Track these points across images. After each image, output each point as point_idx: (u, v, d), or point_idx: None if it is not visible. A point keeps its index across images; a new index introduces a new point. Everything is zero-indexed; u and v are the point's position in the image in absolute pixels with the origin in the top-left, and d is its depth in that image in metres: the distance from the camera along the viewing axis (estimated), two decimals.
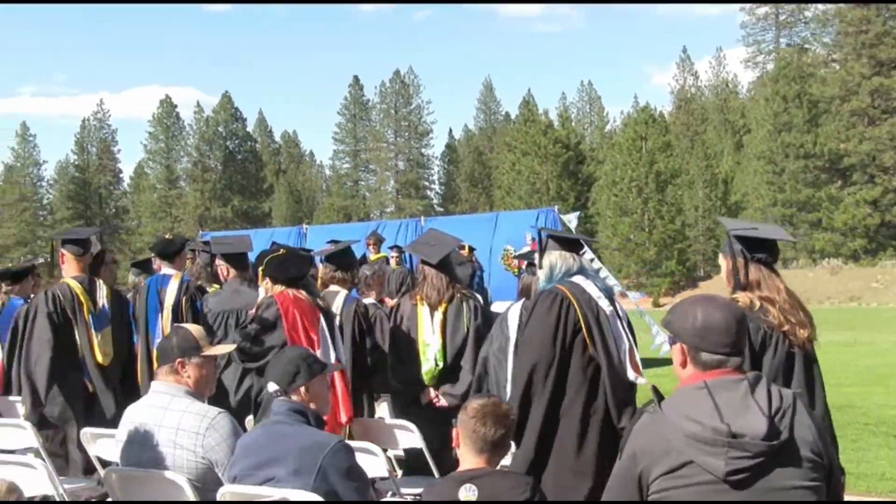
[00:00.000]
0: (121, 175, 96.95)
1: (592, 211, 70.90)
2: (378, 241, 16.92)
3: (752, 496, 3.18)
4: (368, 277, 9.19)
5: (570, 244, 5.97)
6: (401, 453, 7.32)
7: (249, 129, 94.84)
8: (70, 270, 7.84)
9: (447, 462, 6.75)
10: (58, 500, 5.53)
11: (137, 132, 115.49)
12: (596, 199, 73.38)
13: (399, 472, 7.40)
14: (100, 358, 7.71)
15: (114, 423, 6.99)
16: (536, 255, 6.41)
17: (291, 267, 6.93)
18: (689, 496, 3.20)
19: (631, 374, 5.55)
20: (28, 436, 6.77)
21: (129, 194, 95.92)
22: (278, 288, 6.86)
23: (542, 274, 5.97)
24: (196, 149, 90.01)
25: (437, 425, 7.06)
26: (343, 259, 7.77)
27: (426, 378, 7.28)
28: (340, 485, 4.34)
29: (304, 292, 6.80)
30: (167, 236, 11.92)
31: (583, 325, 5.54)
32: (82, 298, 7.70)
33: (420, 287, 7.47)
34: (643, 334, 6.40)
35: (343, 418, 6.47)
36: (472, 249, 15.71)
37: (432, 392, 7.31)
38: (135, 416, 5.09)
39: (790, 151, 67.01)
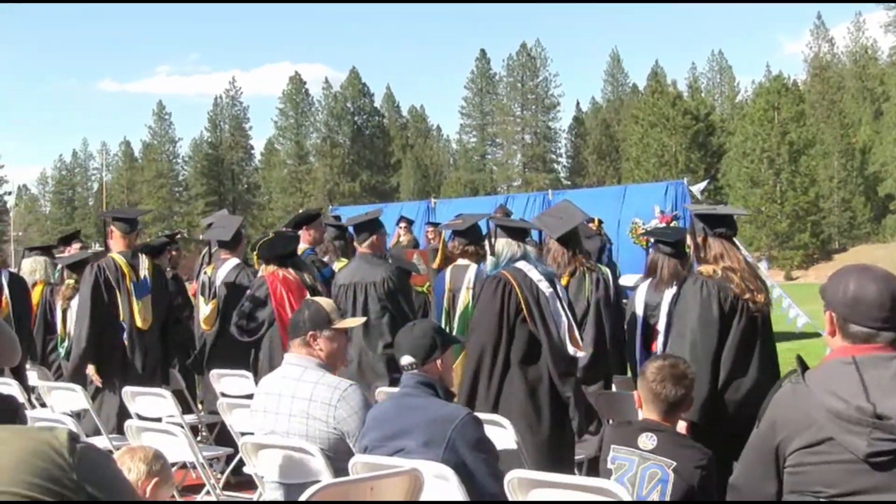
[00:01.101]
0: (252, 151, 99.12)
1: (722, 182, 69.58)
2: (506, 215, 16.90)
3: (893, 479, 3.07)
4: None
5: (516, 233, 6.53)
6: None
7: (377, 104, 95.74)
8: (117, 246, 8.63)
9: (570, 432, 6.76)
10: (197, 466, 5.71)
11: (268, 109, 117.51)
12: (726, 171, 71.99)
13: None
14: (139, 322, 8.46)
15: (144, 380, 7.97)
16: (672, 227, 6.49)
17: (278, 246, 7.78)
18: (826, 473, 3.11)
19: (570, 349, 6.15)
20: (168, 405, 7.00)
21: (260, 170, 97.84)
22: (270, 268, 7.69)
23: (490, 260, 6.60)
24: (325, 124, 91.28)
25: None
26: (472, 233, 7.79)
27: None
28: (469, 456, 4.36)
29: (291, 271, 7.62)
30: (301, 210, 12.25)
31: (524, 307, 6.13)
32: (125, 270, 8.47)
33: (544, 259, 7.45)
34: (777, 309, 6.27)
35: None
36: (600, 223, 15.68)
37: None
38: (269, 386, 5.21)
39: None
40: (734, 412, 5.26)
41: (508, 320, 6.16)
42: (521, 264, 6.36)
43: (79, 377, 8.24)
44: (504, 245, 6.47)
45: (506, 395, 6.17)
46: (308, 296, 7.05)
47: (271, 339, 7.82)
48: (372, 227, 8.38)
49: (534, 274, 6.28)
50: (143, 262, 8.59)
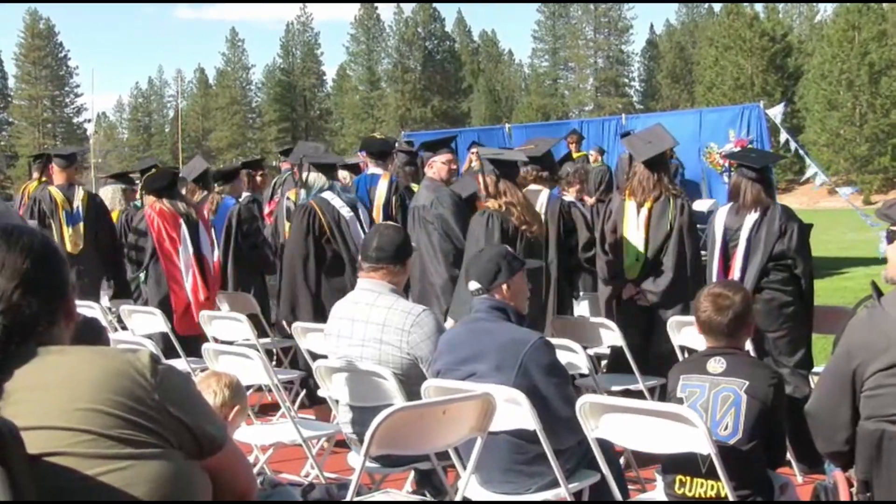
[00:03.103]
0: (324, 77, 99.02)
1: (800, 105, 68.06)
2: (579, 140, 16.78)
3: None
4: (570, 175, 9.14)
5: (326, 168, 8.00)
6: (603, 351, 7.34)
7: (448, 29, 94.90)
8: (57, 179, 9.74)
9: (648, 359, 6.75)
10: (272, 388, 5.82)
11: (340, 35, 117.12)
12: (803, 94, 70.32)
13: (601, 370, 7.43)
14: (69, 247, 9.36)
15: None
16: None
17: (156, 181, 8.53)
18: None
19: None
20: (245, 329, 7.12)
21: (332, 96, 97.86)
22: (150, 199, 8.49)
23: (303, 191, 7.97)
24: (396, 50, 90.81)
25: (638, 322, 7.08)
26: (545, 159, 7.74)
27: (627, 272, 7.22)
28: (541, 381, 4.38)
29: (167, 201, 8.26)
30: (376, 135, 12.30)
31: (327, 230, 7.56)
32: (59, 201, 9.50)
33: (630, 182, 7.39)
34: (865, 232, 6.09)
35: (202, 296, 8.13)
36: (602, 152, 16.20)
37: (633, 288, 7.24)
38: (342, 311, 5.27)
39: None
40: None
41: (314, 238, 7.54)
42: (327, 194, 7.73)
43: None
44: (315, 178, 7.87)
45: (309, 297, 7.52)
46: (182, 223, 8.19)
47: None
48: (432, 152, 8.42)
49: (336, 202, 7.66)
50: (78, 194, 9.62)
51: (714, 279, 6.67)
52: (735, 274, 6.46)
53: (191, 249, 8.18)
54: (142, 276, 8.78)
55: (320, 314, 7.09)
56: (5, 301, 2.09)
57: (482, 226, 6.65)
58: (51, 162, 9.96)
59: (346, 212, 7.60)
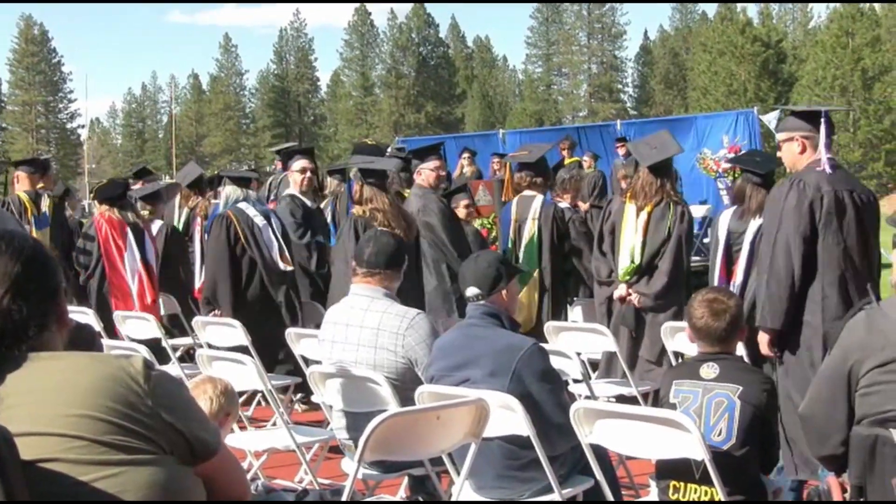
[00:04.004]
0: (318, 83, 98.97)
1: None
2: (571, 146, 16.78)
3: None
4: (565, 181, 9.15)
5: (241, 181, 8.57)
6: (595, 356, 7.34)
7: (442, 34, 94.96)
8: (23, 185, 9.91)
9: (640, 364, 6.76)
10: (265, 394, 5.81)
11: (333, 40, 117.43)
12: (797, 100, 70.45)
13: (593, 376, 7.44)
14: None
15: None
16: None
17: (108, 191, 9.02)
18: None
19: (281, 265, 8.10)
20: (238, 334, 7.11)
21: (326, 102, 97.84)
22: (102, 208, 8.84)
23: (220, 201, 8.61)
24: (390, 55, 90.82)
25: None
26: (539, 164, 7.75)
27: (621, 274, 7.24)
28: (535, 387, 4.38)
29: (116, 210, 8.75)
30: (368, 141, 12.44)
31: (242, 237, 8.09)
32: (28, 205, 9.59)
33: (632, 185, 7.42)
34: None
35: (148, 300, 8.60)
36: (596, 157, 16.40)
37: (625, 289, 7.25)
38: (336, 317, 5.27)
39: None
40: None
41: (232, 245, 8.11)
42: (242, 205, 8.28)
43: None
44: (231, 191, 8.41)
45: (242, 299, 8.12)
46: (129, 231, 8.71)
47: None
48: (420, 159, 8.44)
49: (251, 211, 8.23)
50: (45, 201, 9.82)
51: (716, 283, 6.70)
52: (738, 278, 6.49)
53: (138, 256, 8.71)
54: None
55: (240, 307, 8.04)
56: None
57: (348, 230, 7.37)
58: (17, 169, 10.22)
59: (259, 220, 8.20)
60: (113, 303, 8.61)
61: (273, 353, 7.61)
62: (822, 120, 5.29)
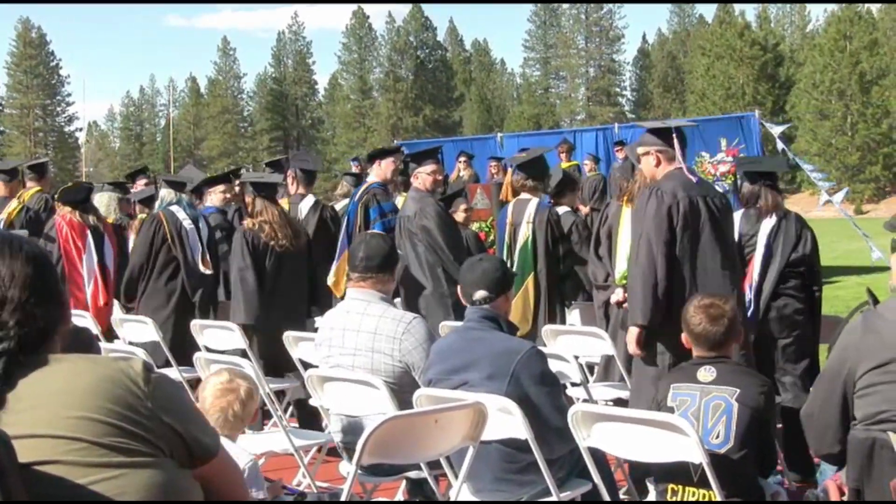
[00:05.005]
0: (316, 86, 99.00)
1: (791, 115, 68.26)
2: (570, 149, 16.81)
3: None
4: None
5: (176, 185, 8.96)
6: (593, 360, 7.34)
7: (440, 38, 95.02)
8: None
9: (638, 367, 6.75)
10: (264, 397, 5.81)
11: (331, 44, 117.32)
12: (795, 103, 70.53)
13: (591, 379, 7.43)
14: None
15: None
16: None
17: (72, 194, 9.15)
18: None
19: (201, 268, 8.44)
20: (236, 337, 7.10)
21: (324, 105, 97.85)
22: (64, 210, 8.94)
23: (157, 203, 8.97)
24: (388, 59, 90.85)
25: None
26: (534, 167, 7.75)
27: (618, 278, 7.22)
28: (533, 390, 4.38)
29: (78, 213, 8.89)
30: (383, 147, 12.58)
31: (169, 237, 8.44)
32: None
33: (630, 188, 7.41)
34: (856, 242, 6.19)
35: (101, 302, 8.77)
36: (596, 160, 16.44)
37: (622, 293, 7.23)
38: (333, 321, 5.27)
39: None
40: None
41: (158, 245, 8.43)
42: (174, 208, 8.60)
43: None
44: (165, 193, 8.80)
45: (149, 294, 8.45)
46: (89, 233, 8.84)
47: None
48: (417, 163, 8.43)
49: (181, 214, 8.54)
50: (9, 207, 10.06)
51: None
52: (753, 279, 6.48)
53: (95, 258, 8.86)
54: None
55: (157, 304, 8.42)
56: (20, 310, 2.08)
57: (238, 241, 7.81)
58: None
59: (187, 223, 8.52)
60: (71, 301, 8.60)
61: (183, 347, 7.74)
62: (674, 135, 5.82)
